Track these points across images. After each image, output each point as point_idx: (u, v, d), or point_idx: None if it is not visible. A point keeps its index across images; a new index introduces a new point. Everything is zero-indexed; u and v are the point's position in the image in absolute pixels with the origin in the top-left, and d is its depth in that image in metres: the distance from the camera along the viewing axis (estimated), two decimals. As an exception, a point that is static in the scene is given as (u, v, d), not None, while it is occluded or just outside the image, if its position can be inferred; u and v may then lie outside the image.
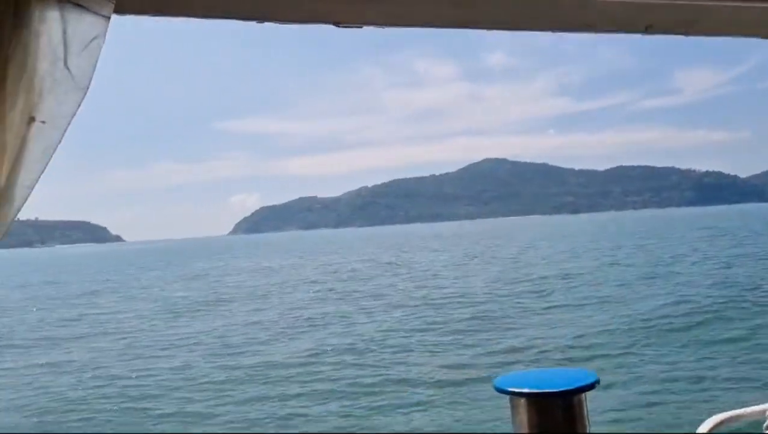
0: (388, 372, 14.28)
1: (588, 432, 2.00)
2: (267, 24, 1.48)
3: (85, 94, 1.21)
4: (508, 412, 2.01)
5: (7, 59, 1.16)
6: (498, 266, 40.83)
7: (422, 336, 18.40)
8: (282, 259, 62.92)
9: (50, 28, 1.21)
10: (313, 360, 16.14)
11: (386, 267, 44.38)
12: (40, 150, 1.19)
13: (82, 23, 1.21)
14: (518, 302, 23.69)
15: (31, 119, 1.18)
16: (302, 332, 20.59)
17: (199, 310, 27.83)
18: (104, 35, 1.23)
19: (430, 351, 16.32)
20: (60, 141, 1.21)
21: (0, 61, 1.16)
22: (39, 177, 1.20)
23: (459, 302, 24.70)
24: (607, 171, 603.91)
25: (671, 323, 17.89)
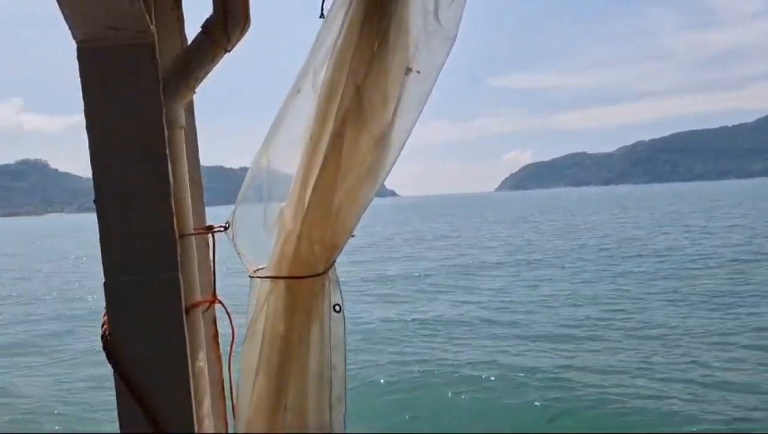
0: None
1: None
2: None
3: (453, 43, 1.29)
4: None
5: (391, 16, 1.29)
6: None
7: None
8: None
9: None
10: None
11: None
12: (416, 98, 1.31)
13: None
14: None
15: (408, 70, 1.31)
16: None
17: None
18: None
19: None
20: (432, 89, 1.31)
21: (385, 18, 1.29)
22: (414, 124, 1.32)
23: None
24: None
25: None
